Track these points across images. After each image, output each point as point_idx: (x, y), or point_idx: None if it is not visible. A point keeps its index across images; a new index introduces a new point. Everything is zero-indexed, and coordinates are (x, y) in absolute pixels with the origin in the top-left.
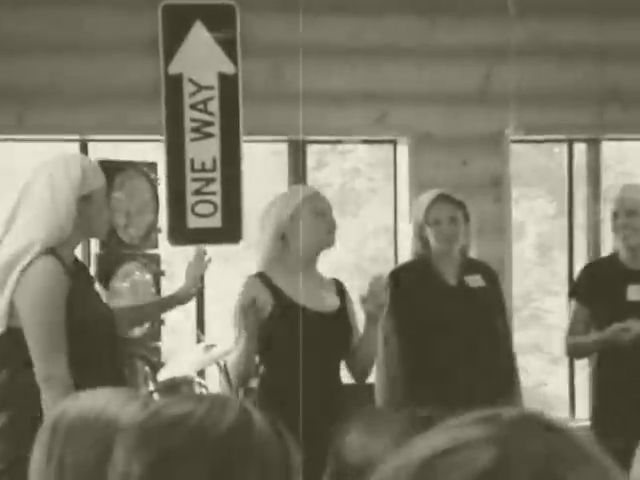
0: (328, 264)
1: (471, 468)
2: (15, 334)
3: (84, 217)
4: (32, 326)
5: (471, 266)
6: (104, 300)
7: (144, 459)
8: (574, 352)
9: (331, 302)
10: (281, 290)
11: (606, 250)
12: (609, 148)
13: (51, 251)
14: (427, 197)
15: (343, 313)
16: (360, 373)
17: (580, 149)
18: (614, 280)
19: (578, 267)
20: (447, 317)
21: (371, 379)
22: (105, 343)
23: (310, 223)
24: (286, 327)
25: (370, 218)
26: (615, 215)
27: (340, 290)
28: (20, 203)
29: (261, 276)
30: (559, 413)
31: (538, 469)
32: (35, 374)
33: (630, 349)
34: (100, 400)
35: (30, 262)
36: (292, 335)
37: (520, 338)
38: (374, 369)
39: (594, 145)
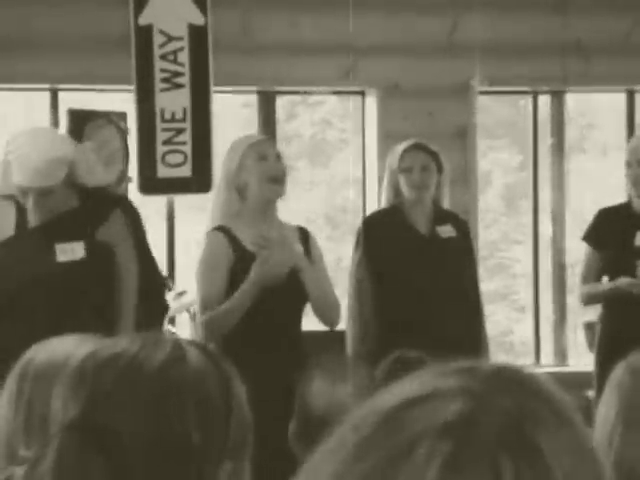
0: (300, 212)
1: (435, 419)
2: None
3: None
4: None
5: (443, 216)
6: None
7: (78, 402)
8: (586, 300)
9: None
10: (242, 243)
11: (571, 200)
12: (573, 100)
13: None
14: (402, 146)
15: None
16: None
17: (544, 101)
18: (625, 226)
19: (543, 217)
20: (418, 265)
21: (342, 326)
22: (18, 294)
23: (254, 172)
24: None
25: (340, 169)
26: (628, 165)
27: (304, 237)
28: None
29: (222, 230)
30: (524, 360)
31: (506, 425)
32: None
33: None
34: (69, 346)
35: None
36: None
37: (486, 287)
38: (346, 317)
39: (558, 97)
